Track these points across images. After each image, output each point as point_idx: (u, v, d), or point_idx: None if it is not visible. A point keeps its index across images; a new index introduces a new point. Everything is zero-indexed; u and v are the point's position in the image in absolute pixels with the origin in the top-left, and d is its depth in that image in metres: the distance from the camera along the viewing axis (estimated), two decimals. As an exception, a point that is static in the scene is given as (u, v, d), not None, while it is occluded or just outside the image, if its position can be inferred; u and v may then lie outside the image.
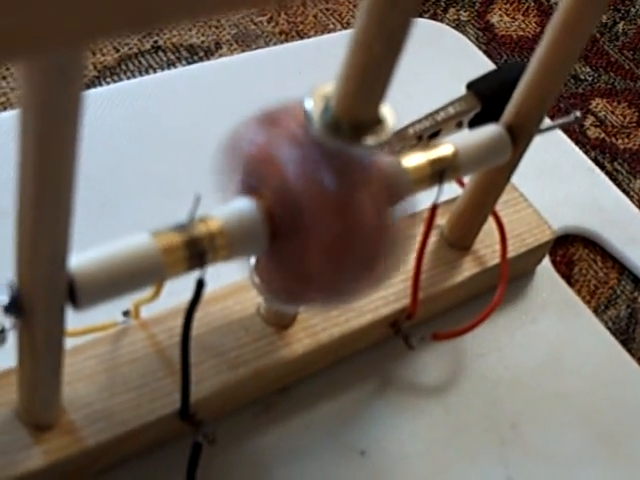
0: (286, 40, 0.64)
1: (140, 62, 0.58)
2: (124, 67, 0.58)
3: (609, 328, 0.51)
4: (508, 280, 0.48)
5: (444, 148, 0.39)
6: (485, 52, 0.67)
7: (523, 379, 0.47)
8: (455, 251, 0.47)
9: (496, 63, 0.66)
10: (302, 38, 0.64)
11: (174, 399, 0.38)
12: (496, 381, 0.46)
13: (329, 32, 0.66)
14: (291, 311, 0.41)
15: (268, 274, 0.35)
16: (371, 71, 0.30)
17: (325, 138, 0.31)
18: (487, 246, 0.48)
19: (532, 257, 0.50)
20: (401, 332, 0.45)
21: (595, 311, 0.52)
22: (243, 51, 0.62)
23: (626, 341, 0.51)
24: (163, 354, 0.39)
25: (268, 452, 0.40)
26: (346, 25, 0.67)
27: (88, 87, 0.55)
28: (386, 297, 0.44)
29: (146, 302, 0.38)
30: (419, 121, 0.47)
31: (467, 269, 0.46)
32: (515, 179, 0.46)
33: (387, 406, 0.43)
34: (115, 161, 0.50)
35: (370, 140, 0.32)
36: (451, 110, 0.47)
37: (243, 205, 0.33)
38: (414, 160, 0.38)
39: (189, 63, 0.59)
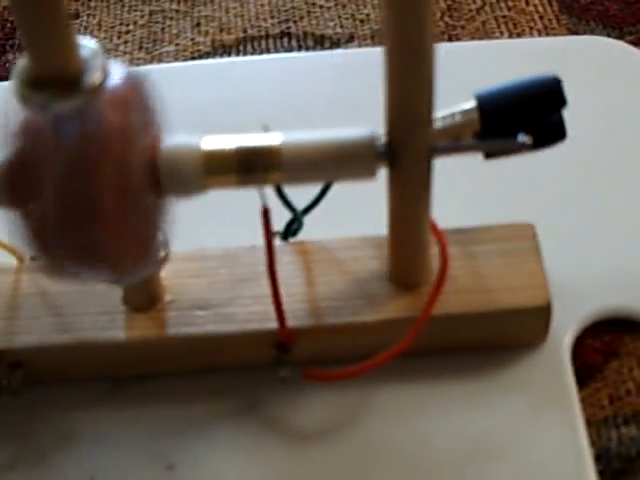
0: (429, 42, 0.57)
1: (260, 45, 0.58)
2: (241, 48, 0.58)
3: (601, 455, 0.37)
4: (474, 347, 0.39)
5: (270, 138, 0.33)
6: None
7: (420, 465, 0.36)
8: (391, 287, 0.39)
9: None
10: (452, 42, 0.58)
11: None
12: (380, 455, 0.37)
13: (490, 40, 0.58)
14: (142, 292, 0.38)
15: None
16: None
17: (25, 96, 0.29)
18: (447, 293, 0.38)
19: (512, 323, 0.38)
20: (286, 358, 0.38)
21: (604, 421, 0.39)
22: (373, 47, 0.57)
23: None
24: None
25: (80, 429, 0.38)
26: (515, 35, 0.58)
27: (194, 59, 0.57)
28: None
29: None
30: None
31: (391, 310, 0.38)
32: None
33: (232, 430, 0.37)
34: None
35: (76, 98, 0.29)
36: (439, 123, 0.39)
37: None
38: (216, 143, 0.33)
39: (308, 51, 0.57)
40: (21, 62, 0.29)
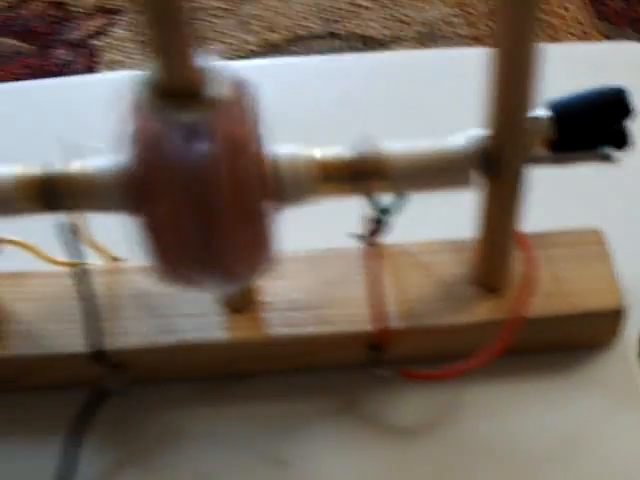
0: (471, 45, 0.60)
1: (307, 45, 0.59)
2: (287, 48, 0.59)
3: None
4: (549, 347, 0.42)
5: (378, 147, 0.35)
6: None
7: (508, 461, 0.39)
8: (476, 290, 0.41)
9: None
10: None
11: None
12: (472, 451, 0.39)
13: (529, 45, 0.60)
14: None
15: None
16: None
17: (153, 105, 0.30)
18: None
19: (588, 325, 0.41)
20: (379, 358, 0.40)
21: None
22: (417, 49, 0.59)
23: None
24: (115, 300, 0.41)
25: (185, 428, 0.40)
26: (553, 40, 0.60)
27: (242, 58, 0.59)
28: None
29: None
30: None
31: (480, 313, 0.40)
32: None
33: (335, 427, 0.40)
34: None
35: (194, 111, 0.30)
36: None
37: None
38: (327, 152, 0.35)
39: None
40: (147, 71, 0.30)
